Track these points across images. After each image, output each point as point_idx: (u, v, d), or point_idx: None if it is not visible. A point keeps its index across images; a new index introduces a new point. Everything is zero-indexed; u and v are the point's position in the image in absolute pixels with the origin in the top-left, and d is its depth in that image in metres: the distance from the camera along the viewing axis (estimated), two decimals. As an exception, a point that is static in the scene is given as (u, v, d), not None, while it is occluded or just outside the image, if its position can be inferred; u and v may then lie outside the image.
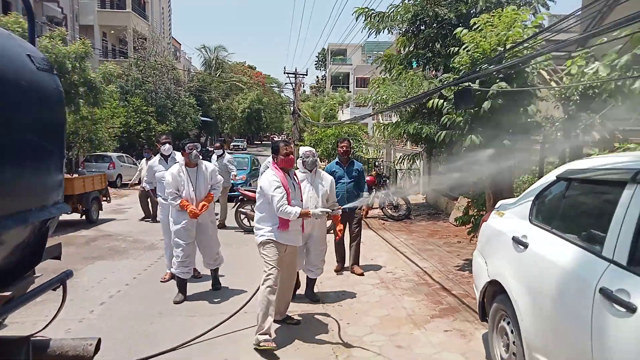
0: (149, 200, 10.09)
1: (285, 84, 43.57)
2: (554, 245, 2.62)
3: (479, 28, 5.93)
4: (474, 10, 9.48)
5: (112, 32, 32.45)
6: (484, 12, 8.75)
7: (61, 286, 2.03)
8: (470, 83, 5.09)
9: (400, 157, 12.60)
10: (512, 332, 3.02)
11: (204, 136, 44.25)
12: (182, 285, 5.05)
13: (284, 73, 32.74)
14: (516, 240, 3.02)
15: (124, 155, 20.81)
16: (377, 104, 10.49)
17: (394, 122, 11.04)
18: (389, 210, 10.44)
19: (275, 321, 4.11)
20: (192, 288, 5.30)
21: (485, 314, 3.53)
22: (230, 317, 4.37)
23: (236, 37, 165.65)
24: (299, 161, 4.80)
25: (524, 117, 5.02)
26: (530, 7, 9.42)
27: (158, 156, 6.34)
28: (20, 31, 16.55)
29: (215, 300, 5.08)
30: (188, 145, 5.00)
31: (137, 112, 26.70)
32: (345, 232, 5.59)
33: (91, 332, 4.11)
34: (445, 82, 5.64)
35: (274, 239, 3.95)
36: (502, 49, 5.21)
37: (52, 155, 2.04)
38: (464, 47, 5.87)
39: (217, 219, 6.44)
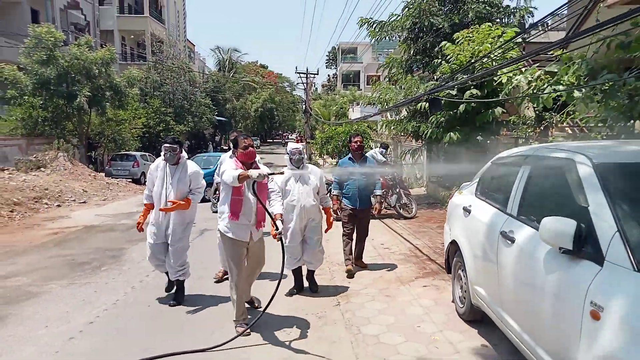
0: None
1: (297, 84, 44.71)
2: (484, 209, 3.78)
3: (460, 42, 7.05)
4: (465, 19, 10.52)
5: (132, 36, 33.90)
6: (474, 22, 9.87)
7: None
8: (449, 90, 6.21)
9: (401, 152, 13.68)
10: (464, 276, 4.18)
11: (218, 135, 45.78)
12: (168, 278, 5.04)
13: (296, 72, 33.91)
14: (465, 209, 4.18)
15: (146, 154, 22.15)
16: (380, 104, 11.62)
17: (397, 119, 12.15)
18: (400, 210, 10.58)
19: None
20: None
21: (450, 267, 4.69)
22: (252, 324, 4.10)
23: (248, 36, 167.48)
24: (286, 157, 4.98)
25: (491, 117, 6.13)
26: (516, 16, 10.46)
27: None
28: (53, 40, 18.08)
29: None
30: (165, 146, 4.70)
31: (156, 113, 28.14)
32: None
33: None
34: (428, 89, 6.77)
35: (224, 231, 4.02)
36: (474, 61, 6.33)
37: None
38: (447, 58, 7.01)
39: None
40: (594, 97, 3.71)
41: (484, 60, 5.81)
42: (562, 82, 4.22)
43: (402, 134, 12.55)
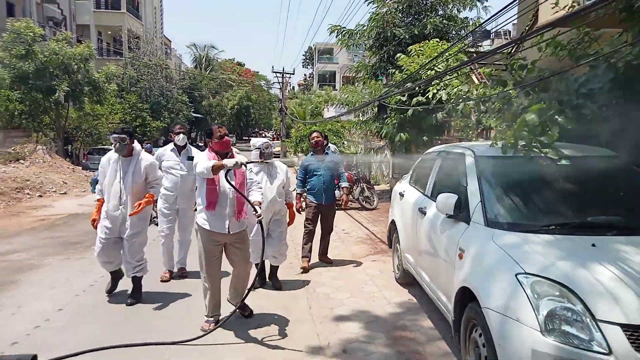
0: None
1: (273, 83, 45.45)
2: (412, 193, 4.81)
3: (412, 54, 8.10)
4: (424, 31, 11.61)
5: (109, 32, 34.04)
6: (432, 34, 10.97)
7: None
8: (400, 96, 7.25)
9: (363, 149, 14.72)
10: (399, 247, 5.19)
11: (194, 132, 46.14)
12: (112, 275, 4.85)
13: (272, 72, 34.70)
14: (400, 194, 5.21)
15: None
16: (347, 105, 12.65)
17: (361, 120, 13.20)
18: (363, 202, 11.59)
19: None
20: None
21: (391, 242, 5.71)
22: (227, 319, 4.02)
23: (225, 33, 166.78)
24: (256, 153, 4.92)
25: (434, 121, 7.19)
26: (468, 28, 11.60)
27: (170, 145, 5.56)
28: (32, 35, 18.44)
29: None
30: (114, 136, 4.48)
31: (133, 109, 28.56)
32: (317, 228, 6.04)
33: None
34: (382, 94, 7.80)
35: (201, 224, 3.89)
36: (421, 72, 7.39)
37: None
38: (400, 68, 8.05)
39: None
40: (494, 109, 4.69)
41: (427, 72, 6.86)
42: (470, 97, 5.27)
43: (368, 133, 13.62)
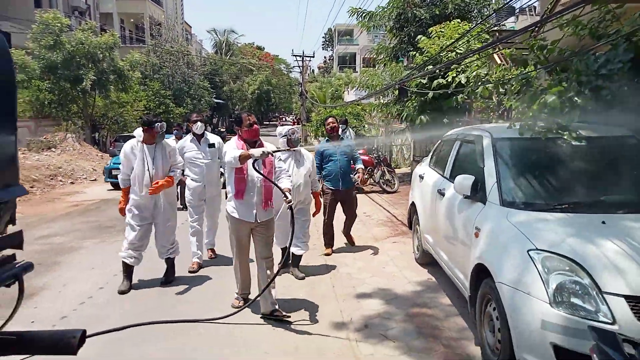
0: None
1: (293, 67, 45.43)
2: (431, 175, 4.94)
3: (433, 36, 8.10)
4: (445, 11, 11.49)
5: (131, 20, 34.51)
6: (453, 14, 10.88)
7: (17, 282, 1.60)
8: (421, 79, 7.30)
9: (384, 132, 14.74)
10: (418, 228, 5.34)
11: (215, 117, 46.68)
12: (128, 272, 4.76)
13: (292, 55, 34.70)
14: (420, 177, 5.34)
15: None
16: (368, 89, 12.68)
17: (382, 103, 13.21)
18: (384, 186, 11.61)
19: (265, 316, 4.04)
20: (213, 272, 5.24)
21: (411, 224, 5.86)
22: (243, 308, 4.13)
23: (244, 17, 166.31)
24: (283, 140, 4.82)
25: (454, 103, 7.23)
26: (490, 7, 11.43)
27: (189, 136, 5.61)
28: (59, 26, 18.94)
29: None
30: (153, 120, 4.63)
31: (156, 96, 29.04)
32: (338, 213, 5.99)
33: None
34: (403, 77, 7.85)
35: (230, 212, 3.94)
36: (442, 54, 7.41)
37: None
38: (421, 50, 8.07)
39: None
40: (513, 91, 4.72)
41: (449, 53, 6.89)
42: (490, 80, 5.31)
43: (389, 116, 13.64)
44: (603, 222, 2.78)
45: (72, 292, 4.66)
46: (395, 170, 13.09)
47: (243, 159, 3.69)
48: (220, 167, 5.52)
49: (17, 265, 1.66)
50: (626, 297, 2.34)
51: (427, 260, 5.22)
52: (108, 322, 3.87)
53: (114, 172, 11.63)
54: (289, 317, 3.97)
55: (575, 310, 2.39)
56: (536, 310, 2.51)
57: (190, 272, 5.27)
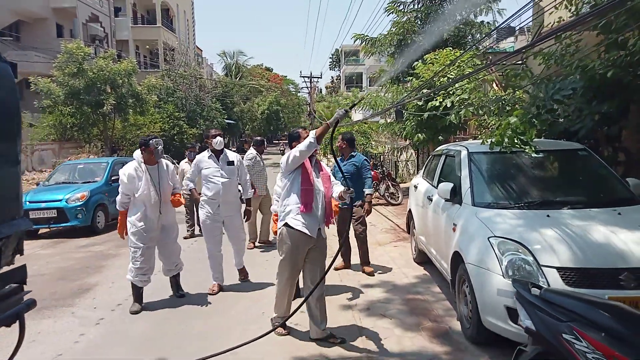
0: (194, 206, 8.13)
1: (302, 88, 46.74)
2: (423, 185, 5.78)
3: (428, 62, 9.02)
4: (442, 38, 12.40)
5: (147, 46, 36.12)
6: (449, 40, 11.82)
7: (17, 321, 1.47)
8: (417, 101, 8.17)
9: (389, 150, 15.60)
10: (414, 231, 6.15)
11: (226, 137, 48.01)
12: (137, 294, 4.76)
13: (300, 77, 36.00)
14: (414, 186, 6.19)
15: (165, 155, 24.15)
16: (372, 109, 13.61)
17: (387, 122, 14.13)
18: (388, 199, 12.45)
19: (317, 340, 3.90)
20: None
21: (409, 228, 6.67)
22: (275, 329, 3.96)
23: (253, 39, 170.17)
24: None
25: (448, 122, 8.09)
26: (483, 31, 12.36)
27: (207, 152, 5.38)
28: (82, 55, 20.24)
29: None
30: (154, 140, 4.61)
31: (170, 118, 30.29)
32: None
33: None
34: (400, 99, 8.74)
35: (293, 225, 3.69)
36: (435, 79, 8.30)
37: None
38: (417, 75, 8.97)
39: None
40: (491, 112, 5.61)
41: (441, 78, 7.78)
42: (470, 102, 6.17)
43: (393, 134, 14.54)
44: (548, 216, 3.60)
45: (120, 287, 5.52)
46: (400, 185, 13.92)
47: (320, 135, 3.58)
48: (238, 183, 5.42)
49: (21, 302, 1.57)
50: (557, 268, 3.14)
51: (423, 259, 6.01)
52: (158, 309, 4.72)
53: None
54: (344, 340, 3.86)
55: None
56: (494, 282, 3.31)
57: (209, 294, 5.14)
